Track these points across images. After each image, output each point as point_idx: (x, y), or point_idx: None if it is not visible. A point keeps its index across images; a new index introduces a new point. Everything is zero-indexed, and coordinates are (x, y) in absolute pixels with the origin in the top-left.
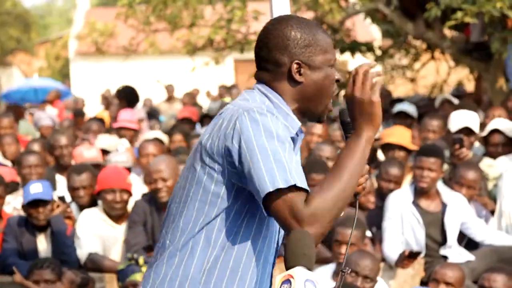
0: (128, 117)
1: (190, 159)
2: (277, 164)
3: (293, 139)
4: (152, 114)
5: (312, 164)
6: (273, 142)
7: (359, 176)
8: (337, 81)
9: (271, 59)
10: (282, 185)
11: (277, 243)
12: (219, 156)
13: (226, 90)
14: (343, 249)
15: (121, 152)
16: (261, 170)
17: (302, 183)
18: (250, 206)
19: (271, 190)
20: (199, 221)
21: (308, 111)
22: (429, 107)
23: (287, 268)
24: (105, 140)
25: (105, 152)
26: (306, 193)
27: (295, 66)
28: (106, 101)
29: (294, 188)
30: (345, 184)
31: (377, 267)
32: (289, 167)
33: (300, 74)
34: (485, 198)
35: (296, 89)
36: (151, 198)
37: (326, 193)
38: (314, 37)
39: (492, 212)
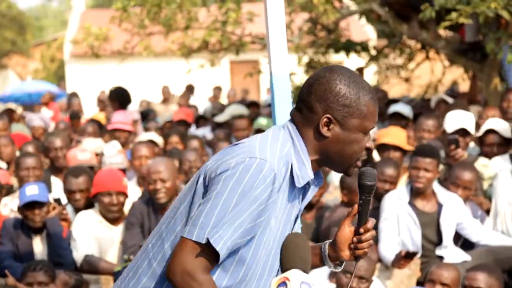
0: (121, 118)
1: (193, 176)
2: (220, 223)
3: (302, 188)
4: (149, 115)
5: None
6: (241, 204)
7: None
8: (367, 149)
9: (308, 103)
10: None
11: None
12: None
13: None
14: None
15: (115, 154)
16: (204, 217)
17: (222, 245)
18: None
19: (189, 237)
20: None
21: (327, 164)
22: (424, 107)
23: (283, 271)
24: (90, 143)
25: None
26: (214, 260)
27: (325, 119)
28: (102, 104)
29: (209, 247)
30: None
31: (372, 267)
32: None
33: (328, 129)
34: (480, 198)
35: (320, 142)
36: (149, 199)
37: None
38: (357, 100)
39: (488, 212)
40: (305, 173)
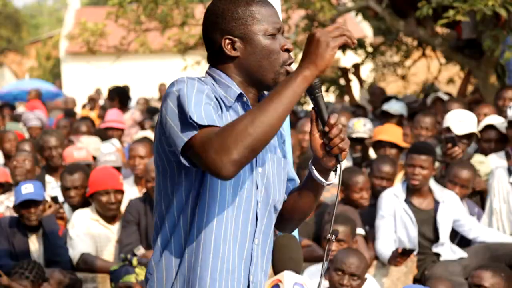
0: (114, 117)
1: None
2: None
3: (231, 107)
4: (149, 113)
5: (304, 162)
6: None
7: (287, 110)
8: (287, 50)
9: (207, 39)
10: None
11: (256, 216)
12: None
13: None
14: (333, 247)
15: (110, 152)
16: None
17: (212, 121)
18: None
19: (185, 139)
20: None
21: (256, 82)
22: (420, 105)
23: (275, 273)
24: (87, 141)
25: None
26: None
27: (226, 41)
28: (93, 102)
29: (203, 127)
30: (267, 114)
31: (364, 264)
32: (198, 111)
33: (234, 49)
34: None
35: (234, 64)
36: (146, 197)
37: (241, 121)
38: (245, 9)
39: (483, 204)
40: (230, 92)
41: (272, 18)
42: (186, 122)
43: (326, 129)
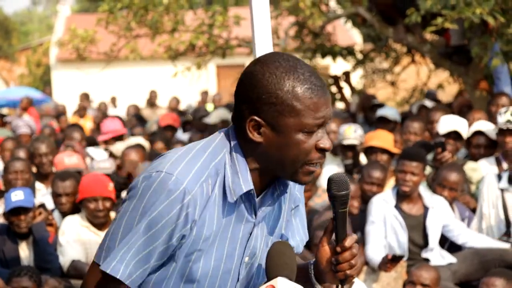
0: (112, 127)
1: None
2: (121, 245)
3: (249, 201)
4: (139, 120)
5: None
6: (140, 225)
7: None
8: (322, 150)
9: (236, 106)
10: (101, 262)
11: (239, 273)
12: None
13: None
14: None
15: (104, 159)
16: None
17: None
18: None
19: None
20: None
21: (271, 172)
22: (406, 113)
23: (269, 279)
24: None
25: None
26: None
27: (252, 123)
28: (83, 111)
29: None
30: None
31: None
32: (124, 254)
33: (259, 133)
34: (466, 197)
35: (256, 148)
36: None
37: None
38: (288, 94)
39: (474, 211)
40: (237, 185)
41: (317, 111)
42: (103, 247)
43: (338, 249)
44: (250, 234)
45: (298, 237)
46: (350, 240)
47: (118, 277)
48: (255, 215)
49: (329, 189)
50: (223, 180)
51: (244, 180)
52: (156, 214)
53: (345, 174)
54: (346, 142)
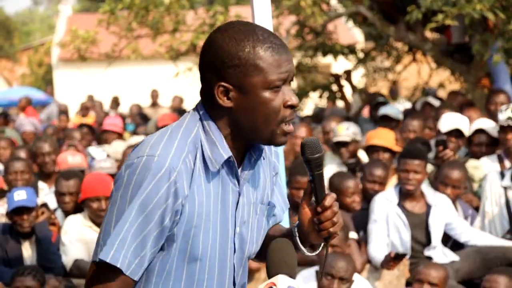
0: (111, 121)
1: None
2: (115, 232)
3: (215, 172)
4: (143, 119)
5: (297, 167)
6: (132, 211)
7: None
8: (291, 106)
9: (202, 76)
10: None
11: (234, 244)
12: None
13: None
14: (323, 251)
15: (105, 158)
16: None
17: (127, 263)
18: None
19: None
20: None
21: (246, 138)
22: (410, 110)
23: (269, 277)
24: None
25: None
26: (122, 275)
27: (220, 88)
28: (86, 110)
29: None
30: None
31: (352, 267)
32: (119, 244)
33: (228, 99)
34: (469, 195)
35: (226, 114)
36: None
37: None
38: (249, 54)
39: (477, 209)
40: (217, 155)
41: (280, 67)
42: (99, 243)
43: (319, 209)
44: (237, 204)
45: (278, 206)
46: (330, 199)
47: (118, 265)
48: (238, 183)
49: (303, 153)
50: (202, 153)
51: (222, 148)
52: (145, 196)
53: (317, 138)
54: (336, 139)
